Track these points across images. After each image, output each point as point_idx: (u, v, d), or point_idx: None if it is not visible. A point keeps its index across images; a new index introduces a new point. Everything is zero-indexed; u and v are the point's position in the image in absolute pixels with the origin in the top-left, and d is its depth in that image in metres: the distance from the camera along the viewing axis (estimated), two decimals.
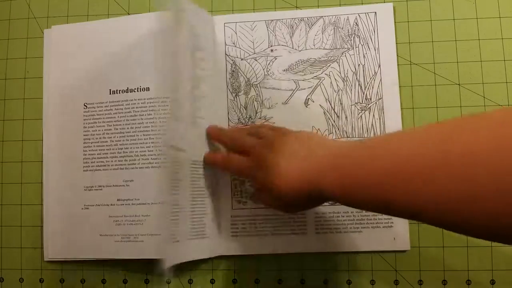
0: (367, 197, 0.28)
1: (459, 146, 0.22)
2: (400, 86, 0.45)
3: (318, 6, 0.47)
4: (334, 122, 0.45)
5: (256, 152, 0.36)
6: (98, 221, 0.44)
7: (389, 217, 0.43)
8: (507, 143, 0.20)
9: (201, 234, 0.42)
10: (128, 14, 0.48)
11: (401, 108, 0.44)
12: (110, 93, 0.45)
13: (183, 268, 0.45)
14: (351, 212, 0.43)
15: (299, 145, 0.34)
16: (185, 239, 0.41)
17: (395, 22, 0.45)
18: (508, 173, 0.20)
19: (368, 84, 0.45)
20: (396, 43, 0.45)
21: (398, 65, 0.45)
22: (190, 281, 0.45)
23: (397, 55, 0.45)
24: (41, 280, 0.46)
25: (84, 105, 0.46)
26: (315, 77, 0.45)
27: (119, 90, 0.45)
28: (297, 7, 0.47)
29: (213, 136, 0.42)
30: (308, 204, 0.35)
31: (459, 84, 0.44)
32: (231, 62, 0.46)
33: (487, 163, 0.20)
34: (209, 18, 0.47)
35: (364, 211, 0.43)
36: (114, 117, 0.45)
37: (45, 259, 0.45)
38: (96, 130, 0.45)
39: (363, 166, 0.28)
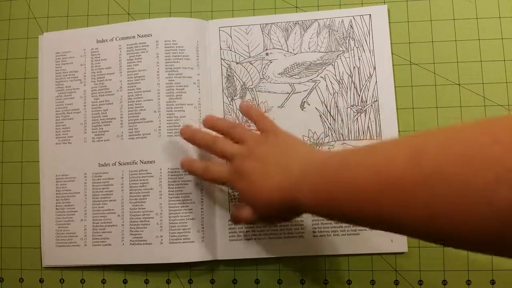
0: (338, 211, 0.28)
1: (430, 159, 0.22)
2: (399, 86, 0.45)
3: (318, 6, 0.46)
4: (330, 125, 0.45)
5: (237, 162, 0.36)
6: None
7: None
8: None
9: (185, 239, 0.43)
10: (128, 14, 0.48)
11: (401, 108, 0.44)
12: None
13: (183, 268, 0.45)
14: None
15: (277, 155, 0.34)
16: (165, 243, 0.43)
17: (390, 23, 0.45)
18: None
19: (364, 87, 0.45)
20: (396, 43, 0.45)
21: (398, 65, 0.45)
22: (190, 281, 0.45)
23: (397, 55, 0.45)
24: (41, 280, 0.46)
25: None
26: (311, 80, 0.45)
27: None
28: (297, 7, 0.47)
29: (187, 137, 0.40)
30: (288, 215, 0.36)
31: (459, 84, 0.44)
32: (227, 66, 0.46)
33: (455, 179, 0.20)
34: (194, 25, 0.46)
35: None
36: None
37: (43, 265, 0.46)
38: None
39: (333, 181, 0.28)
